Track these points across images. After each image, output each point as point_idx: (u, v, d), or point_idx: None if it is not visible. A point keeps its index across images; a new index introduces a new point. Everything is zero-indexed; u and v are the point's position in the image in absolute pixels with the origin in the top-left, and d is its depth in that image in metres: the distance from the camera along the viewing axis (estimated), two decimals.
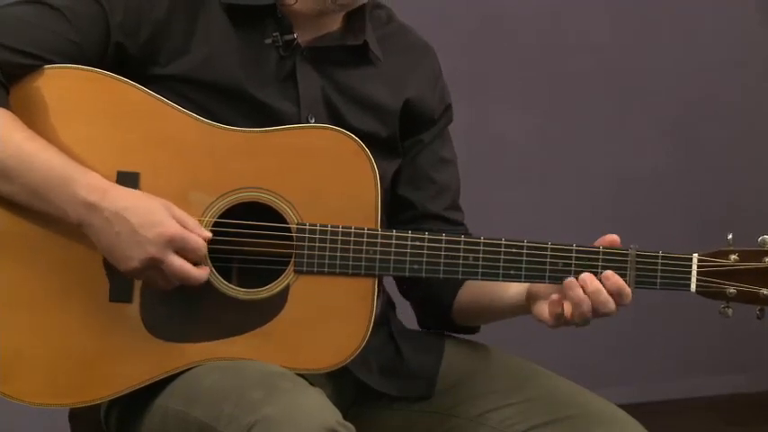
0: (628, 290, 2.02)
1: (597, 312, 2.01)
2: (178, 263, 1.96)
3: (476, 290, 2.18)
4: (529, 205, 4.08)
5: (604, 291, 2.00)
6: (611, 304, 2.01)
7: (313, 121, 2.10)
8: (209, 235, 1.98)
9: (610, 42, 4.19)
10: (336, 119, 2.12)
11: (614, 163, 4.23)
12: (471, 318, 2.23)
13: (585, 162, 4.19)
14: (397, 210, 2.21)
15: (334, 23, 2.16)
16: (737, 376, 4.43)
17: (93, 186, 1.96)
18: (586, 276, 2.01)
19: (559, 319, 2.03)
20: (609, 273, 2.01)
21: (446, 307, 2.21)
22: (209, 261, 2.00)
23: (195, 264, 1.97)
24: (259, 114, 2.07)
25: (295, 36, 2.10)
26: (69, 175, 1.97)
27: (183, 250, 1.96)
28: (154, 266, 1.96)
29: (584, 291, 2.00)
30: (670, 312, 4.03)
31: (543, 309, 2.05)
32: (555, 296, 2.03)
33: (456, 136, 2.29)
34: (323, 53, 2.13)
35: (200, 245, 1.97)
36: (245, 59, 2.09)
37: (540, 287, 2.06)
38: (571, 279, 2.01)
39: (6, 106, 1.99)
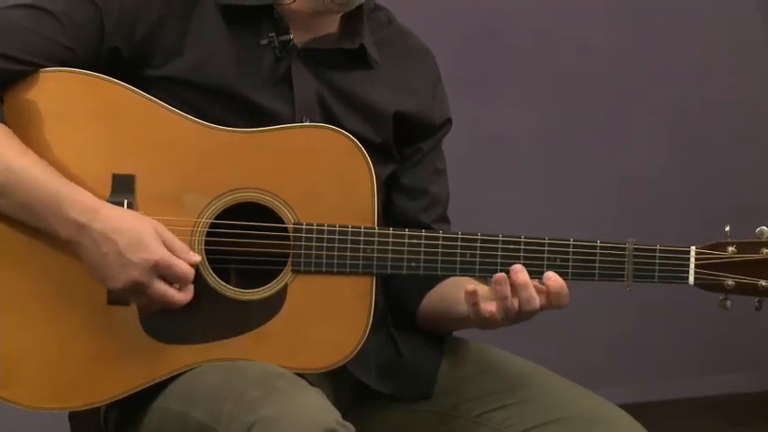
0: (566, 290, 1.99)
1: (522, 308, 1.98)
2: (161, 288, 1.95)
3: (436, 303, 2.17)
4: (528, 205, 4.07)
5: (530, 286, 1.98)
6: (535, 302, 1.98)
7: (308, 122, 2.10)
8: (198, 258, 1.98)
9: (609, 42, 4.18)
10: (331, 122, 2.11)
11: (614, 163, 4.23)
12: (432, 327, 2.21)
13: (585, 162, 4.19)
14: (386, 215, 2.19)
15: (332, 25, 2.15)
16: (737, 376, 4.42)
17: (83, 206, 1.96)
18: (516, 267, 1.99)
19: (479, 313, 2.00)
20: (550, 273, 1.99)
21: (411, 313, 2.20)
22: (206, 262, 2.01)
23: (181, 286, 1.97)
24: (253, 116, 2.07)
25: (291, 37, 2.09)
26: (59, 193, 1.96)
27: (168, 276, 1.95)
28: (137, 289, 1.95)
29: (511, 282, 1.98)
30: (670, 312, 4.03)
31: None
32: (470, 287, 2.00)
33: (455, 135, 2.29)
34: (319, 55, 2.13)
35: (187, 271, 1.96)
36: (240, 61, 2.08)
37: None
38: (501, 274, 1.99)
39: (1, 119, 1.99)
